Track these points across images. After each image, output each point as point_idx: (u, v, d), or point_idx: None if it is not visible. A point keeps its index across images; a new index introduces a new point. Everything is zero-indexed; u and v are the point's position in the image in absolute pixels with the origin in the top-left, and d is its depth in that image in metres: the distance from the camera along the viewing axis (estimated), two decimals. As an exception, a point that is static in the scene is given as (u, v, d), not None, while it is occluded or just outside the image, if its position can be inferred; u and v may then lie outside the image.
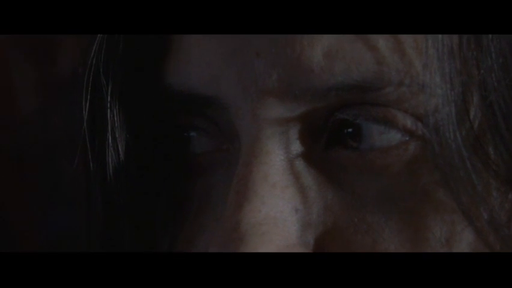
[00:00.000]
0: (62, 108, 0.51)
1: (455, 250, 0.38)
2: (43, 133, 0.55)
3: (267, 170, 0.38)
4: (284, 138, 0.39)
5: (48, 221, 0.57)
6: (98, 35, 0.42)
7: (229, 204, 0.38)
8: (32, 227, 0.57)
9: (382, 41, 0.37)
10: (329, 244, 0.38)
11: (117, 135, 0.42)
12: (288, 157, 0.39)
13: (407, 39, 0.38)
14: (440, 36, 0.37)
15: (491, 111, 0.37)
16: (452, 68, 0.37)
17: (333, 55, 0.37)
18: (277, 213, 0.38)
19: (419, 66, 0.37)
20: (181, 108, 0.42)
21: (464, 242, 0.38)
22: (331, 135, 0.39)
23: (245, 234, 0.37)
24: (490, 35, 0.37)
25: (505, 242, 0.37)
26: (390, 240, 0.38)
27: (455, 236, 0.38)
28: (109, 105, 0.42)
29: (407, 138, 0.38)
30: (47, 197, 0.57)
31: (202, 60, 0.40)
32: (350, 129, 0.39)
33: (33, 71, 0.54)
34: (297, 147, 0.39)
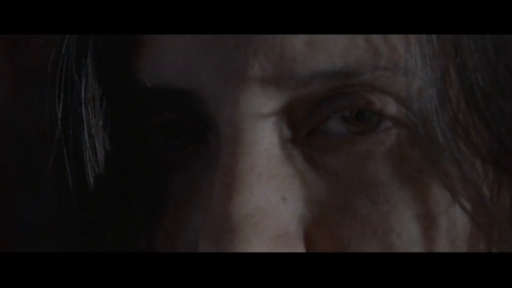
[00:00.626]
0: (33, 99, 0.50)
1: (441, 229, 0.38)
2: (14, 123, 0.54)
3: (253, 161, 0.38)
4: (267, 127, 0.39)
5: (17, 213, 0.56)
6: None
7: (217, 196, 0.38)
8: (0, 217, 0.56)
9: None
10: (318, 231, 0.38)
11: (93, 132, 0.41)
12: (272, 146, 0.39)
13: None
14: None
15: (470, 92, 0.38)
16: (431, 51, 0.38)
17: (314, 43, 0.37)
18: (266, 203, 0.38)
19: (402, 50, 0.38)
20: (158, 103, 0.41)
21: (451, 220, 0.38)
22: (315, 122, 0.39)
23: (237, 226, 0.37)
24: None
25: (492, 218, 0.38)
26: (378, 224, 0.38)
27: (441, 216, 0.38)
28: (83, 101, 0.41)
29: (392, 123, 0.38)
30: (17, 188, 0.56)
31: (177, 54, 0.39)
32: (333, 116, 0.39)
33: (5, 57, 0.53)
34: (280, 135, 0.39)
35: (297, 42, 0.37)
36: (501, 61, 0.38)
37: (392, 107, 0.38)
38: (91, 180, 0.41)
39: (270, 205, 0.38)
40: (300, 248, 0.38)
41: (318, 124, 0.39)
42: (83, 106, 0.41)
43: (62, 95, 0.41)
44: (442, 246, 0.38)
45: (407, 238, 0.38)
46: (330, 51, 0.37)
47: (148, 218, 0.42)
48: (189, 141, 0.42)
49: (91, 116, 0.41)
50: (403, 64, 0.38)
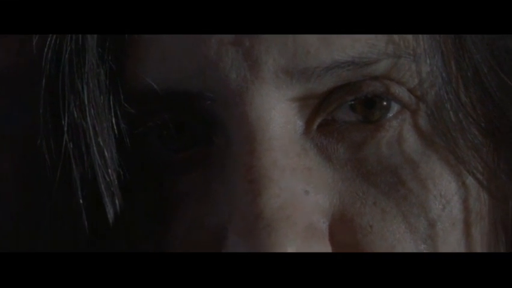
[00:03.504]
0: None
1: (456, 208, 0.40)
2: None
3: (275, 156, 0.38)
4: (283, 122, 0.39)
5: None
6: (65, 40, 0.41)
7: (243, 195, 0.38)
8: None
9: None
10: (341, 221, 0.39)
11: (100, 139, 0.40)
12: (288, 140, 0.39)
13: None
14: None
15: (474, 69, 0.40)
16: (436, 36, 0.40)
17: (327, 36, 0.38)
18: (293, 196, 0.38)
19: (410, 36, 0.39)
20: (156, 104, 0.40)
21: (462, 198, 0.40)
22: (328, 114, 0.40)
23: (271, 221, 0.37)
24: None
25: (501, 187, 0.41)
26: (398, 208, 0.39)
27: (456, 195, 0.40)
28: (87, 109, 0.40)
29: (400, 110, 0.40)
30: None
31: (181, 54, 0.39)
32: (346, 106, 0.40)
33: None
34: (294, 129, 0.39)
35: (310, 35, 0.38)
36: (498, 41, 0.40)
37: (402, 95, 0.40)
38: (103, 187, 0.40)
39: (296, 198, 0.38)
40: (326, 239, 0.39)
41: (328, 114, 0.40)
42: (87, 114, 0.40)
43: (66, 105, 0.40)
44: (458, 224, 0.40)
45: (425, 219, 0.39)
46: (342, 42, 0.38)
47: (155, 223, 0.42)
48: (189, 143, 0.41)
49: (95, 123, 0.40)
50: (412, 50, 0.39)
